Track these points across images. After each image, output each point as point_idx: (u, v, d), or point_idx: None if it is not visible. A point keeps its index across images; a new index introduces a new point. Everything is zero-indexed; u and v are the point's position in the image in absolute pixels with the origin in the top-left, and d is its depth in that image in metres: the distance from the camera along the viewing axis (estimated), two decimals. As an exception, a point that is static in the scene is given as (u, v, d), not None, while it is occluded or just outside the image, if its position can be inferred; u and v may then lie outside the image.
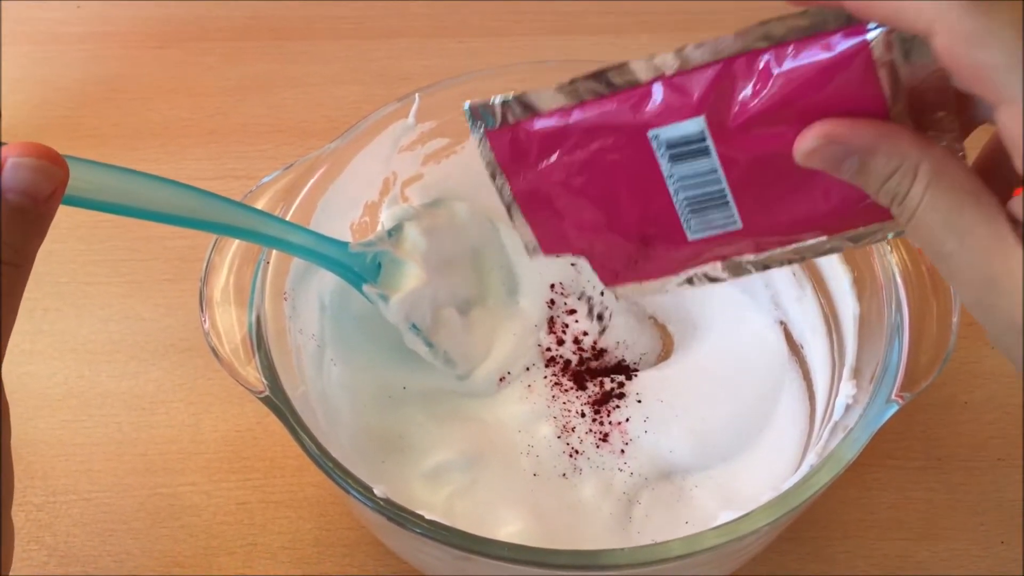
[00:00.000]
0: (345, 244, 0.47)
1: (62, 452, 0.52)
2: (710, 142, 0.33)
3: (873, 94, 0.30)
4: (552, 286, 0.55)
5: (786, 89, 0.31)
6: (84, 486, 0.51)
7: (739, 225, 0.35)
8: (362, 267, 0.47)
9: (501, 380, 0.51)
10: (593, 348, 0.53)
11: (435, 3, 0.77)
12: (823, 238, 0.35)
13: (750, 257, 0.36)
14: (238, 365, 0.42)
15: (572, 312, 0.54)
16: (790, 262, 0.36)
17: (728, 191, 0.34)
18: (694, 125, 0.32)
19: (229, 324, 0.43)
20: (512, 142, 0.36)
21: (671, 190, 0.34)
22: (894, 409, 0.40)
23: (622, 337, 0.53)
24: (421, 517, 0.37)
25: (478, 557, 0.37)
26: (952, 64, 0.27)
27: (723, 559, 0.41)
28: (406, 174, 0.53)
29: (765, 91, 0.31)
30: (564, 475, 0.47)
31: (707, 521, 0.42)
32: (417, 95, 0.51)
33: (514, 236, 0.55)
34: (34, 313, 0.57)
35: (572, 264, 0.55)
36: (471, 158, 0.53)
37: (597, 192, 0.36)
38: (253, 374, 0.42)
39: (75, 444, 0.52)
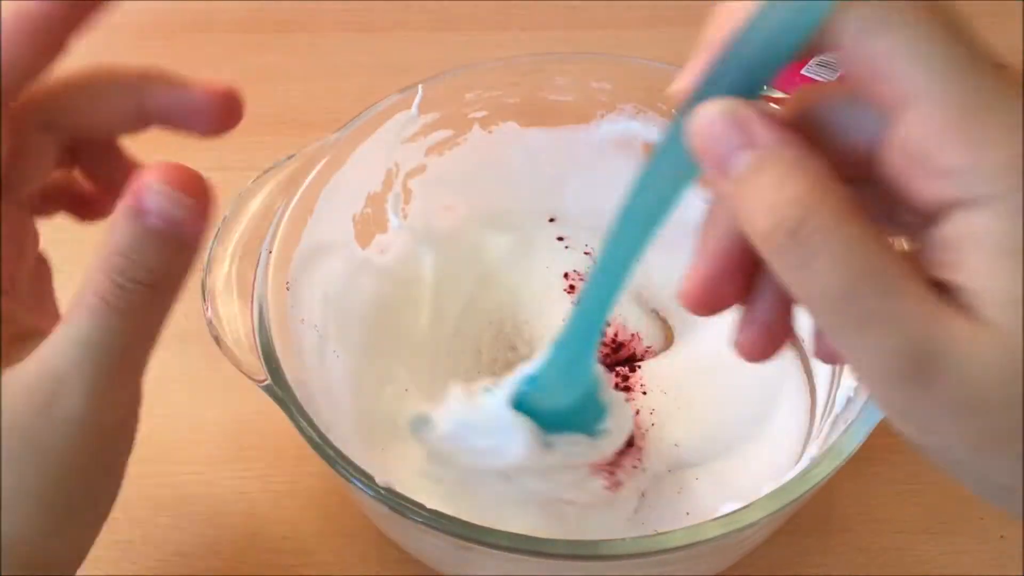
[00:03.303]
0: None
1: (64, 441, 0.52)
2: None
3: None
4: (566, 274, 0.55)
5: None
6: (86, 475, 0.51)
7: None
8: None
9: None
10: (613, 342, 0.53)
11: (439, -4, 0.77)
12: None
13: None
14: (240, 354, 0.42)
15: None
16: None
17: None
18: None
19: (231, 314, 0.43)
20: None
21: None
22: (895, 402, 0.40)
23: (636, 330, 0.53)
24: (422, 506, 0.37)
25: (478, 546, 0.37)
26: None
27: (724, 550, 0.41)
28: (409, 165, 0.53)
29: None
30: (567, 467, 0.47)
31: (708, 513, 0.42)
32: (421, 86, 0.51)
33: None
34: (36, 302, 0.57)
35: (586, 266, 0.56)
36: (473, 150, 0.54)
37: None
38: (255, 363, 0.42)
39: (77, 433, 0.52)
